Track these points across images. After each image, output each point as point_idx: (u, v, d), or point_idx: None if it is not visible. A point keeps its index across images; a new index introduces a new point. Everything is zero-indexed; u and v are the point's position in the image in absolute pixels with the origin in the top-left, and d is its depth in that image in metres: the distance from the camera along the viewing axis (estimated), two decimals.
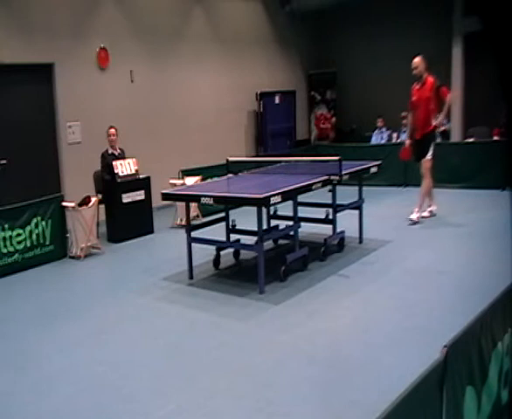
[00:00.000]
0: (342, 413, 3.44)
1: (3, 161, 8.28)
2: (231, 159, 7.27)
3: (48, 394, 3.90)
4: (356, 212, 7.08)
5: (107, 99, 9.57)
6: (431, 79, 7.72)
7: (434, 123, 7.77)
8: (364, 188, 7.20)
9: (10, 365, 4.40)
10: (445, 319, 4.50)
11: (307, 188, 5.92)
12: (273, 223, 7.29)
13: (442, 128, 8.14)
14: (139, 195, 8.29)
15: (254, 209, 5.53)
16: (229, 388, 3.81)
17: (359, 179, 7.05)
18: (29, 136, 8.56)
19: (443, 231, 7.38)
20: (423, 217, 7.91)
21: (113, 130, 8.30)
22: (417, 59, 7.71)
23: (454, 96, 7.89)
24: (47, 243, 7.16)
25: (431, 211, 8.11)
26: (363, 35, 13.51)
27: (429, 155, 7.74)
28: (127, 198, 8.11)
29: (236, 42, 12.11)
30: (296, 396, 3.64)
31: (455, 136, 11.89)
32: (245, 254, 6.84)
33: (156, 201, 8.01)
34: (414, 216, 7.68)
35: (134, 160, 8.34)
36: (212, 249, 6.55)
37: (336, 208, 6.67)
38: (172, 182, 8.60)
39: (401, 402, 1.97)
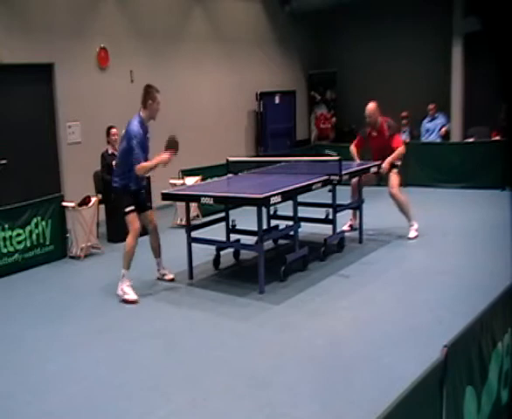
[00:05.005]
0: (342, 413, 3.44)
1: (3, 161, 8.28)
2: (231, 159, 7.28)
3: (48, 394, 3.90)
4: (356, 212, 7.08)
5: (107, 99, 9.56)
6: (385, 127, 7.23)
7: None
8: (364, 188, 7.20)
9: (10, 365, 4.40)
10: (445, 319, 4.50)
11: (307, 188, 5.93)
12: (273, 223, 7.29)
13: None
14: None
15: (254, 209, 5.53)
16: (229, 388, 3.81)
17: (359, 179, 7.06)
18: (29, 136, 8.56)
19: (443, 231, 7.37)
20: (342, 231, 7.13)
21: (115, 130, 8.28)
22: (371, 106, 7.20)
23: (402, 151, 7.17)
24: (47, 243, 7.15)
25: (351, 226, 7.52)
26: (363, 35, 13.52)
27: (395, 169, 7.15)
28: None
29: (236, 42, 12.10)
30: (296, 396, 3.64)
31: (455, 136, 11.89)
32: (245, 254, 6.84)
33: (156, 201, 8.00)
34: (412, 234, 7.05)
35: None
36: (212, 249, 6.55)
37: (336, 208, 6.67)
38: (172, 181, 8.60)
39: (401, 402, 1.97)
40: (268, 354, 4.27)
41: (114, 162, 7.98)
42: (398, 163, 7.25)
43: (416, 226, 7.11)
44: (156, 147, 10.12)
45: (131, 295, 5.55)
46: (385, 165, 7.06)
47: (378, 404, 2.16)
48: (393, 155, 7.10)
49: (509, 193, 8.64)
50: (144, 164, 5.70)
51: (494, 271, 5.26)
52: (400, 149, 7.17)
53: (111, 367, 4.26)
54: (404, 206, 7.07)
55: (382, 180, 7.46)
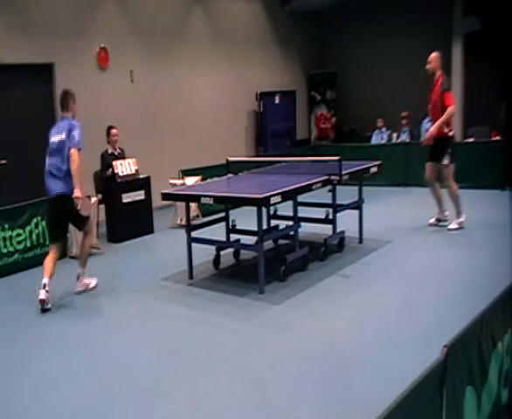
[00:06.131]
0: (341, 413, 3.44)
1: (3, 161, 8.28)
2: (231, 159, 7.28)
3: (48, 394, 3.90)
4: (356, 212, 7.08)
5: (107, 99, 9.57)
6: (440, 80, 7.15)
7: (446, 130, 7.10)
8: (364, 188, 7.20)
9: (10, 365, 4.40)
10: (445, 319, 4.50)
11: (307, 188, 5.92)
12: (273, 223, 7.29)
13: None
14: (139, 195, 8.29)
15: (254, 209, 5.53)
16: (229, 388, 3.81)
17: (359, 179, 7.06)
18: (29, 136, 8.54)
19: (443, 231, 7.37)
20: (430, 224, 7.51)
21: (115, 130, 8.30)
22: (433, 54, 7.28)
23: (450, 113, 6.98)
24: (47, 243, 7.14)
25: (438, 219, 7.58)
26: (363, 35, 13.52)
27: (445, 161, 7.18)
28: (127, 198, 8.11)
29: (236, 42, 12.11)
30: (296, 396, 3.64)
31: (455, 136, 11.88)
32: (245, 254, 6.84)
33: (156, 201, 8.01)
34: (454, 226, 7.24)
35: (134, 160, 8.35)
36: (212, 249, 6.55)
37: (336, 208, 6.67)
38: (172, 181, 8.60)
39: (401, 402, 1.97)
40: (268, 354, 4.27)
41: (114, 163, 8.03)
42: (447, 157, 7.13)
43: (461, 220, 7.25)
44: (157, 146, 10.17)
45: (92, 281, 6.05)
46: (432, 129, 7.00)
47: (378, 404, 2.16)
48: (442, 118, 6.95)
49: (509, 193, 8.64)
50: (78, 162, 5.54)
51: (494, 271, 5.25)
52: (449, 110, 6.95)
53: (111, 367, 4.26)
54: (454, 193, 7.19)
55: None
